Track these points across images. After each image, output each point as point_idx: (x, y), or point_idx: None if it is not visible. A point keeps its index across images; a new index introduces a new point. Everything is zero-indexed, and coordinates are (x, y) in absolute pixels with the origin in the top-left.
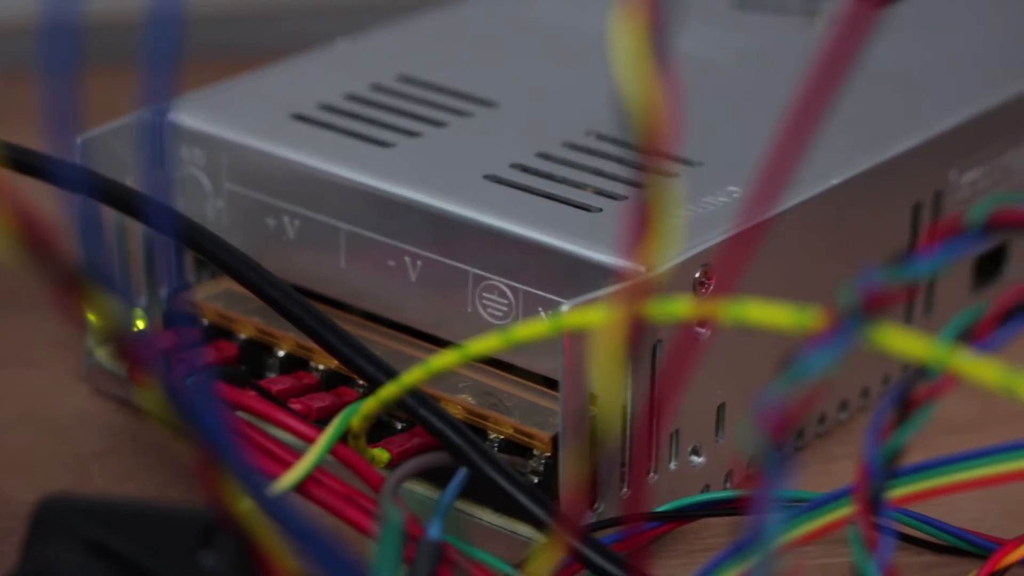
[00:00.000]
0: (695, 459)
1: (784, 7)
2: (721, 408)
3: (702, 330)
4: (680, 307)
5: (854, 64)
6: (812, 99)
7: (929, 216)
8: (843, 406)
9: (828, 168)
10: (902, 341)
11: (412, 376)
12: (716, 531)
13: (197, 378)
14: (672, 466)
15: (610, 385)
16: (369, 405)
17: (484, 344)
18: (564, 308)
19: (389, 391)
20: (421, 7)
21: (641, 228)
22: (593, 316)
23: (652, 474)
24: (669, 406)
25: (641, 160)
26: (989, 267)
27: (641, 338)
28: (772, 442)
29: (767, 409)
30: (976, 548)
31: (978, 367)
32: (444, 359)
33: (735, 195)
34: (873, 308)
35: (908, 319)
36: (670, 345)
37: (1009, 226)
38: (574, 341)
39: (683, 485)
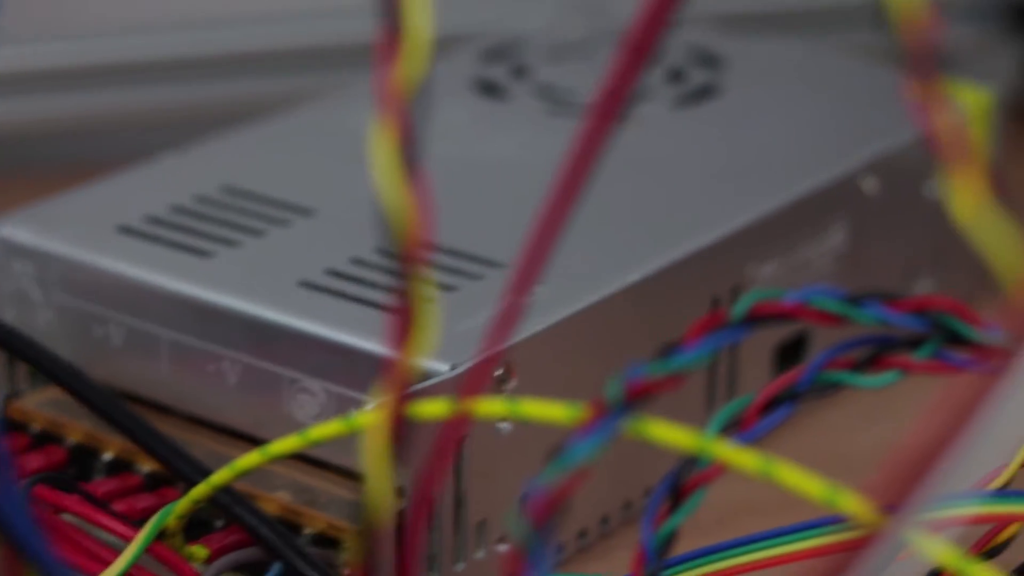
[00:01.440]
0: (502, 547)
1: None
2: (481, 525)
3: (504, 426)
4: (437, 407)
5: (595, 165)
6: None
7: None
8: (604, 520)
9: (628, 265)
10: (663, 432)
11: (220, 476)
12: None
13: (7, 483)
14: (479, 555)
15: (378, 479)
16: (182, 505)
17: (284, 444)
18: (367, 406)
19: (200, 491)
20: (245, 119)
21: (404, 328)
22: (371, 416)
23: (459, 563)
24: (429, 496)
25: (402, 265)
26: (790, 355)
27: (411, 435)
28: (536, 528)
29: (532, 496)
30: None
31: (737, 455)
32: (248, 459)
33: (537, 294)
34: (637, 399)
35: (710, 406)
36: (470, 440)
37: (767, 318)
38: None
39: (491, 574)
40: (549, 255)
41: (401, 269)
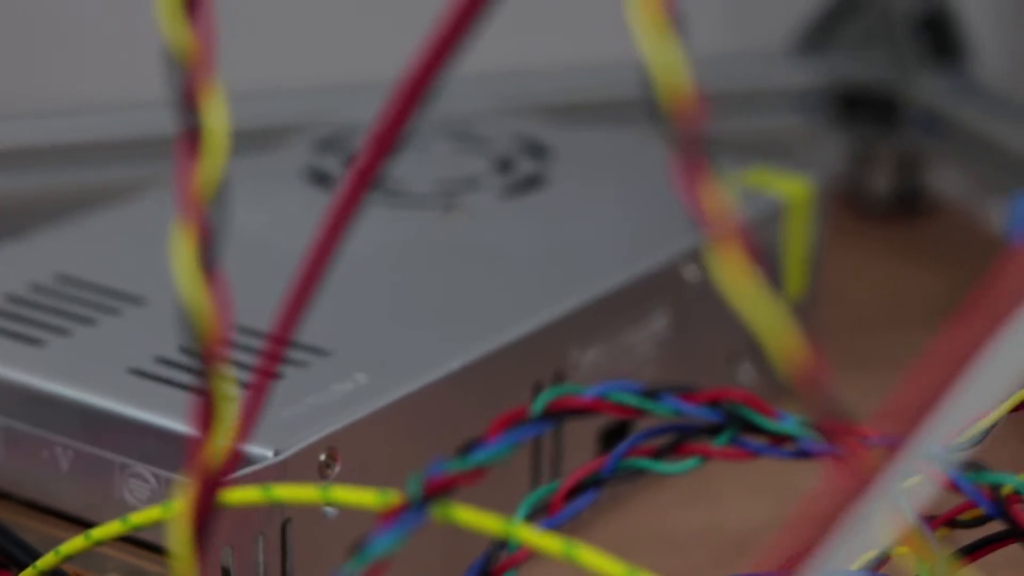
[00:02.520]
0: None
1: (423, 203)
2: None
3: (330, 510)
4: (250, 494)
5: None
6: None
7: None
8: None
9: (452, 352)
10: (470, 517)
11: (45, 560)
12: None
13: None
14: None
15: (183, 561)
16: None
17: (107, 529)
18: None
19: (27, 574)
20: (82, 208)
21: (206, 418)
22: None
23: None
24: None
25: (203, 360)
26: (614, 439)
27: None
28: None
29: None
30: None
31: (541, 539)
32: (73, 544)
33: (361, 381)
34: (436, 493)
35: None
36: (296, 523)
37: (566, 412)
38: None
39: None
40: (298, 323)
41: (202, 364)
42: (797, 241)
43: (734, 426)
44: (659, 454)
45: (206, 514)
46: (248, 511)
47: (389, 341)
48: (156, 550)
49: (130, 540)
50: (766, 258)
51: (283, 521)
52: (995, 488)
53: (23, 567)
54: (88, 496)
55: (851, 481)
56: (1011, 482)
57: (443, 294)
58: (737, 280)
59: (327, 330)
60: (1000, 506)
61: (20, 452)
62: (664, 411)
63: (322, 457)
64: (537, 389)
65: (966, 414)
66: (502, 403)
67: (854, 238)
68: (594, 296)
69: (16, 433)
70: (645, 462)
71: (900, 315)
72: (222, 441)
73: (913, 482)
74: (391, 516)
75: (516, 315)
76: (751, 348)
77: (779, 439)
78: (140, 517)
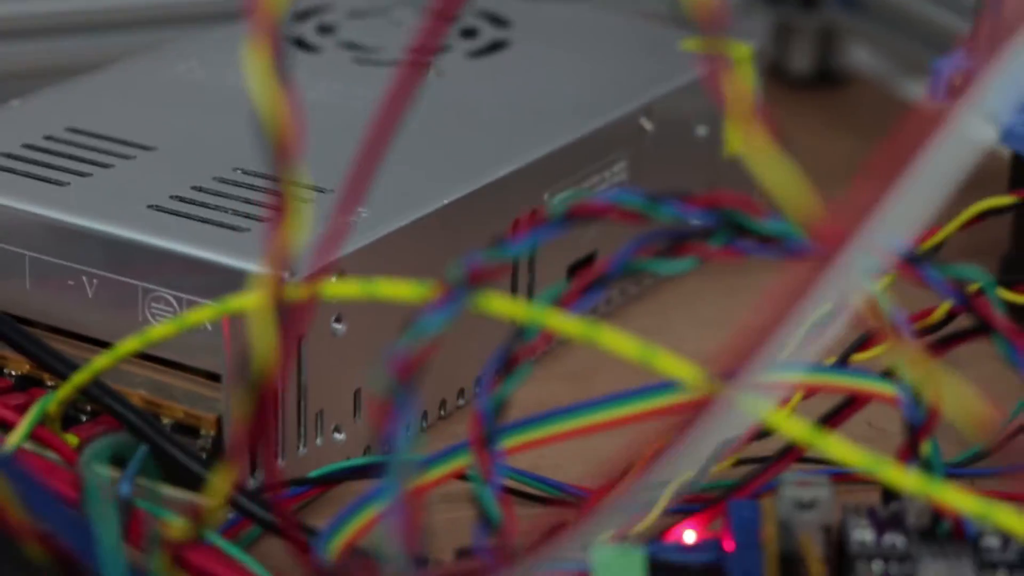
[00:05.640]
0: (337, 436)
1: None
2: (358, 393)
3: (338, 326)
4: (325, 289)
5: (408, 107)
6: (378, 131)
7: None
8: (462, 392)
9: (441, 191)
10: (503, 305)
11: (101, 361)
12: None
13: None
14: (318, 442)
15: (263, 348)
16: (65, 390)
17: (159, 330)
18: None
19: (81, 376)
20: (81, 71)
21: (280, 220)
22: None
23: (302, 448)
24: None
25: (278, 164)
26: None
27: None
28: (399, 383)
29: (394, 358)
30: (573, 497)
31: (566, 323)
32: (129, 344)
33: (362, 215)
34: (476, 281)
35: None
36: (310, 340)
37: (583, 216)
38: (234, 330)
39: (329, 459)
40: (370, 181)
41: (277, 168)
42: (740, 99)
43: (728, 229)
44: (660, 255)
45: (282, 307)
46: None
47: (382, 181)
48: (177, 367)
49: (151, 359)
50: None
51: (298, 338)
52: (961, 282)
53: (63, 375)
54: (112, 321)
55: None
56: (979, 279)
57: (426, 142)
58: (755, 150)
59: (325, 172)
60: (967, 299)
61: (47, 283)
62: (665, 215)
63: (333, 280)
64: (515, 226)
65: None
66: (486, 237)
67: (778, 106)
68: (563, 144)
69: (43, 265)
70: (647, 263)
71: (822, 172)
72: (293, 240)
73: (883, 277)
74: (438, 300)
75: (495, 160)
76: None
77: (769, 240)
78: (193, 317)
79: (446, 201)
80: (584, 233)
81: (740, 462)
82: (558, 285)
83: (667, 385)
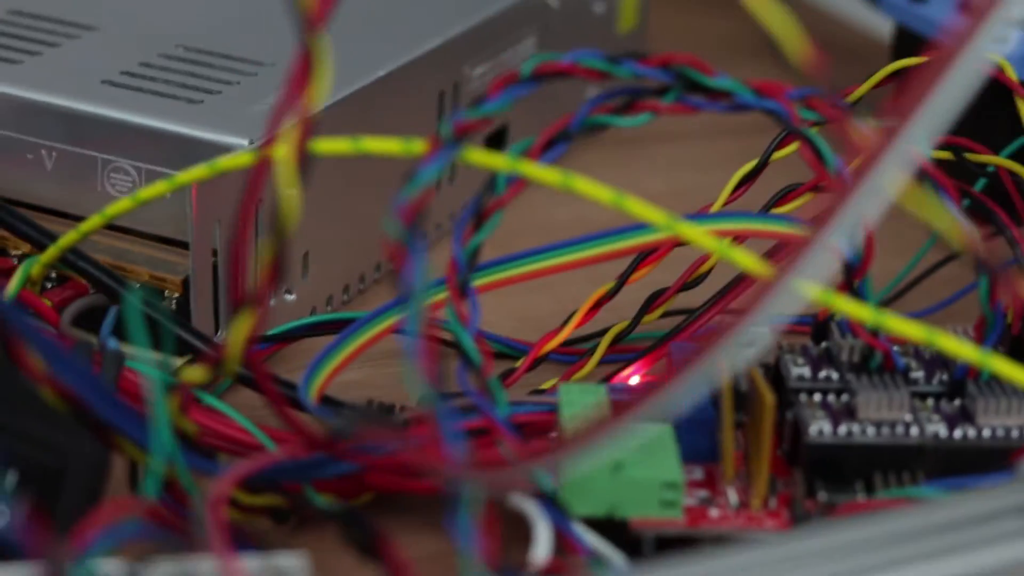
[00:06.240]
0: (288, 297)
1: None
2: (306, 256)
3: (291, 192)
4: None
5: None
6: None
7: (451, 102)
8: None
9: (374, 63)
10: (484, 157)
11: (89, 224)
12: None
13: None
14: (272, 303)
15: (289, 192)
16: (49, 253)
17: (118, 206)
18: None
19: (67, 238)
20: None
21: (305, 75)
22: (229, 161)
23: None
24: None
25: (306, 23)
26: (496, 143)
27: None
28: (408, 228)
29: (400, 207)
30: (516, 351)
31: (542, 172)
32: (91, 222)
33: None
34: (460, 135)
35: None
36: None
37: (549, 75)
38: (201, 195)
39: (281, 318)
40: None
41: (305, 26)
42: None
43: (679, 85)
44: (616, 111)
45: (304, 153)
46: (225, 192)
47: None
48: (137, 234)
49: (112, 228)
50: None
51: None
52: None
53: (39, 246)
54: (72, 192)
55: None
56: None
57: (353, 21)
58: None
59: (262, 48)
60: None
61: (7, 157)
62: (624, 73)
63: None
64: (440, 97)
65: None
66: (414, 108)
67: None
68: (479, 21)
69: (3, 140)
70: (606, 118)
71: (721, 49)
72: (318, 96)
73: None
74: (431, 152)
75: (420, 36)
76: None
77: (718, 95)
78: (150, 191)
79: (383, 72)
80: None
81: (666, 314)
82: (525, 141)
83: (631, 228)
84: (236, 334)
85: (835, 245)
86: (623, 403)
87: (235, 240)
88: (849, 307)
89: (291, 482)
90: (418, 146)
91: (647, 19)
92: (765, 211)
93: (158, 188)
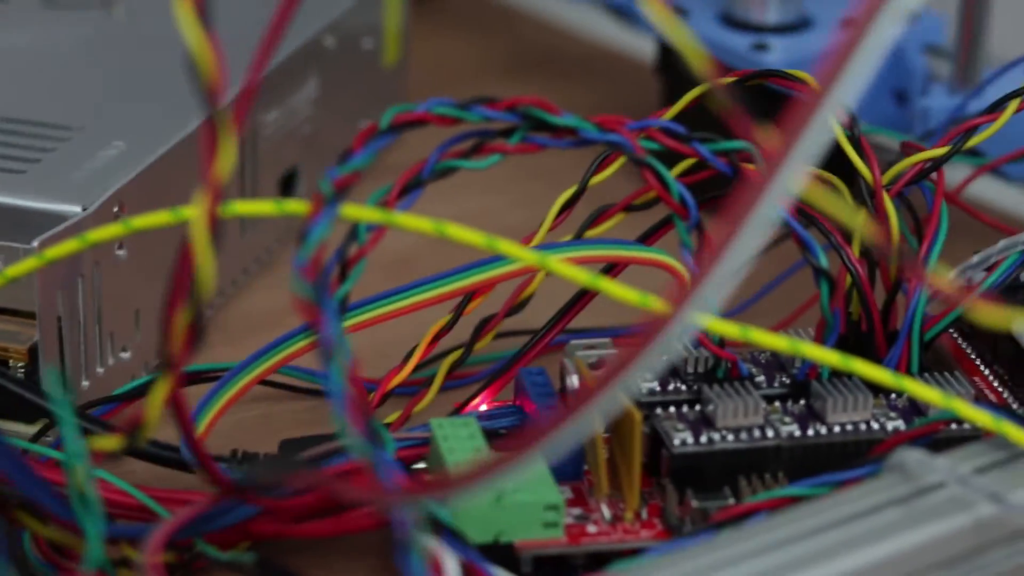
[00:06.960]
0: (124, 355)
1: (83, 4)
2: (137, 314)
3: (120, 252)
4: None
5: None
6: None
7: (250, 150)
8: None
9: (183, 117)
10: (355, 212)
11: None
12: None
13: None
14: (111, 362)
15: (204, 263)
16: None
17: (23, 266)
18: (34, 245)
19: None
20: None
21: (213, 148)
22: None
23: (99, 368)
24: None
25: (208, 100)
26: (288, 184)
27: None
28: (311, 284)
29: (301, 267)
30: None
31: (413, 221)
32: None
33: (122, 147)
34: (339, 190)
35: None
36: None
37: (406, 125)
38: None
39: (119, 376)
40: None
41: (208, 104)
42: (392, 16)
43: (526, 125)
44: (465, 154)
45: (215, 220)
46: (68, 260)
47: (126, 115)
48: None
49: None
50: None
51: (93, 264)
52: (727, 151)
53: None
54: None
55: None
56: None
57: (148, 76)
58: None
59: (70, 112)
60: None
61: None
62: (474, 117)
63: (115, 209)
64: (242, 146)
65: None
66: None
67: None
68: (270, 69)
69: None
70: (456, 161)
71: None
72: (225, 164)
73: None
74: (315, 211)
75: None
76: (370, 105)
77: (563, 132)
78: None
79: (193, 127)
80: (287, 153)
81: (499, 335)
82: (380, 191)
83: (489, 261)
84: (154, 399)
85: (728, 274)
86: (514, 442)
87: (167, 306)
88: (717, 325)
89: (201, 534)
90: (301, 206)
91: (409, 50)
92: (580, 233)
93: (27, 264)
